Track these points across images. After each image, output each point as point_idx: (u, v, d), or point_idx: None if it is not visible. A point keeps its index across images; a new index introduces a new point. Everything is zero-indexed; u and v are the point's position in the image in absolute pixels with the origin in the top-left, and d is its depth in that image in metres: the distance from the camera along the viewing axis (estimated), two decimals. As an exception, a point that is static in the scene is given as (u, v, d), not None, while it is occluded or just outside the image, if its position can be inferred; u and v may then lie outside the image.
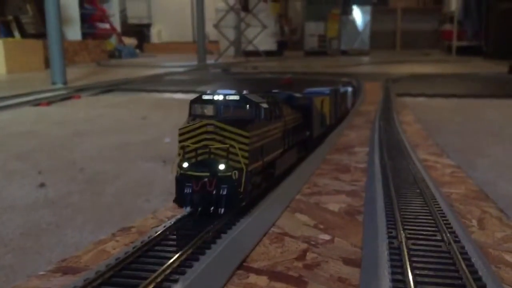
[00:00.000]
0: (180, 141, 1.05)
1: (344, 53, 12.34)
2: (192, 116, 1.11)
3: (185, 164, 1.02)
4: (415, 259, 0.84)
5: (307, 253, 0.99)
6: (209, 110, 1.09)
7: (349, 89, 3.21)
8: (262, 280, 0.87)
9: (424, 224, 1.01)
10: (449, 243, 0.89)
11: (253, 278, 0.88)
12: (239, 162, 1.01)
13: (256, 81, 5.67)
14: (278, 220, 1.18)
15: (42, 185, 1.64)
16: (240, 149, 1.02)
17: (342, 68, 7.50)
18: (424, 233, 0.96)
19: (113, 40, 11.29)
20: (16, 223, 1.32)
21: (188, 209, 1.02)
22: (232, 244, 0.94)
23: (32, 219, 1.34)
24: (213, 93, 1.10)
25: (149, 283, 0.72)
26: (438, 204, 1.13)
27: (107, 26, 10.82)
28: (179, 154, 1.04)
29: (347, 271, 0.91)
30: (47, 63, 6.00)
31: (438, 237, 0.94)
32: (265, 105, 1.15)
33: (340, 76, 5.92)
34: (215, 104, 1.09)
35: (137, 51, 12.34)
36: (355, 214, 1.24)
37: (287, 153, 1.41)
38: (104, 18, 10.71)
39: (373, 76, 6.02)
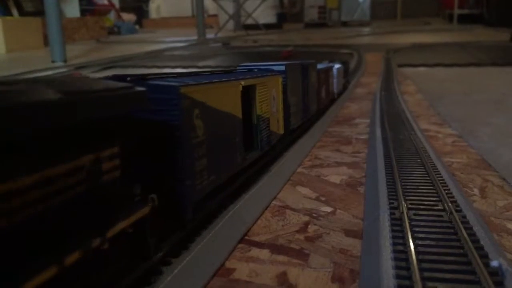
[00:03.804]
0: None
1: (345, 24, 12.23)
2: None
3: None
4: (416, 229, 0.84)
5: (309, 226, 0.99)
6: None
7: (336, 65, 2.38)
8: (264, 253, 0.87)
9: (425, 194, 1.01)
10: (451, 213, 0.89)
11: (255, 251, 0.88)
12: None
13: (256, 55, 5.63)
14: (280, 194, 1.18)
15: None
16: None
17: (342, 40, 7.44)
18: (426, 203, 0.96)
19: (112, 16, 11.21)
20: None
21: None
22: (233, 218, 0.94)
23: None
24: None
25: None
26: (439, 174, 1.13)
27: (105, 2, 10.74)
28: None
29: (349, 242, 0.91)
30: (46, 41, 5.97)
31: (440, 207, 0.94)
32: None
33: (341, 47, 5.88)
34: None
35: (136, 27, 12.26)
36: (356, 185, 1.23)
37: None
38: (102, -6, 10.63)
39: (374, 47, 5.97)
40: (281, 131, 1.33)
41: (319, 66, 1.99)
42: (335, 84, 2.31)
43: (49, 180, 0.51)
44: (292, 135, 1.51)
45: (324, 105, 2.01)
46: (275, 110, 1.25)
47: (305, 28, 11.85)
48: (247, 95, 1.08)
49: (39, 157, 0.50)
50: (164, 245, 0.74)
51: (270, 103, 1.20)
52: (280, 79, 1.30)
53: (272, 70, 1.30)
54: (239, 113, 0.98)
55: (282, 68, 1.34)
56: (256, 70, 1.28)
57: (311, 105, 1.71)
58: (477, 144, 1.60)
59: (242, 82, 1.00)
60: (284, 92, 1.34)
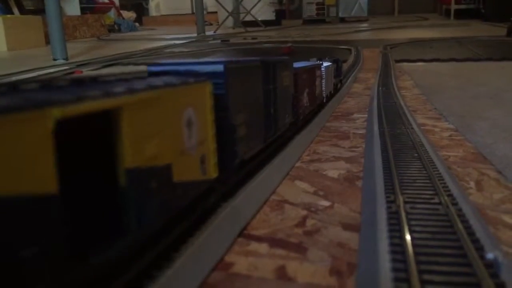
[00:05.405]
0: None
1: (343, 20, 12.23)
2: None
3: None
4: (413, 222, 0.84)
5: (307, 220, 1.00)
6: None
7: (325, 63, 1.97)
8: (263, 247, 0.88)
9: (422, 188, 1.02)
10: (447, 206, 0.90)
11: (254, 245, 0.89)
12: None
13: (255, 51, 5.63)
14: (278, 188, 1.19)
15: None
16: None
17: (340, 36, 7.45)
18: (422, 196, 0.97)
19: (112, 14, 11.24)
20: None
21: None
22: (232, 212, 0.95)
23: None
24: None
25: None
26: (436, 168, 1.14)
27: (105, 0, 10.76)
28: None
29: (347, 236, 0.92)
30: (47, 39, 5.99)
31: (436, 200, 0.95)
32: None
33: (339, 43, 5.88)
34: None
35: (136, 24, 12.27)
36: (354, 180, 1.24)
37: None
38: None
39: (371, 42, 5.98)
40: (213, 174, 0.84)
41: (302, 64, 1.59)
42: (324, 86, 1.89)
43: None
44: (242, 171, 1.03)
45: (306, 114, 1.61)
46: (194, 142, 0.74)
47: (304, 25, 11.84)
48: (99, 132, 0.55)
49: None
50: None
51: (180, 133, 0.69)
52: (208, 88, 0.79)
53: (197, 74, 0.80)
54: (49, 184, 0.41)
55: (220, 68, 0.83)
56: (171, 73, 0.83)
57: (281, 118, 1.26)
58: (473, 138, 1.61)
59: (56, 111, 0.42)
60: (223, 107, 0.84)
